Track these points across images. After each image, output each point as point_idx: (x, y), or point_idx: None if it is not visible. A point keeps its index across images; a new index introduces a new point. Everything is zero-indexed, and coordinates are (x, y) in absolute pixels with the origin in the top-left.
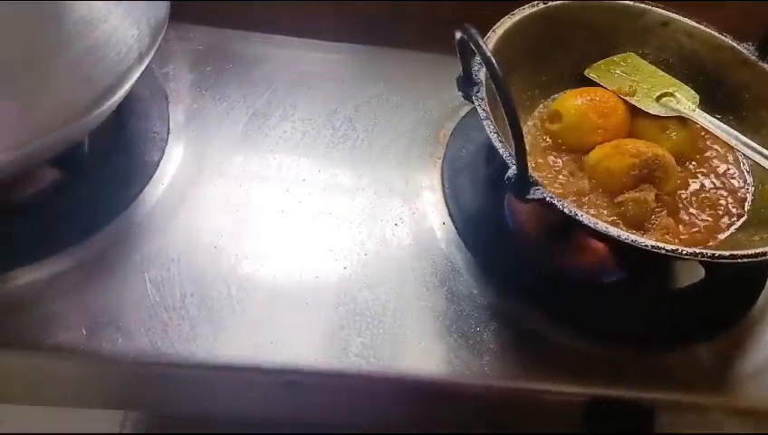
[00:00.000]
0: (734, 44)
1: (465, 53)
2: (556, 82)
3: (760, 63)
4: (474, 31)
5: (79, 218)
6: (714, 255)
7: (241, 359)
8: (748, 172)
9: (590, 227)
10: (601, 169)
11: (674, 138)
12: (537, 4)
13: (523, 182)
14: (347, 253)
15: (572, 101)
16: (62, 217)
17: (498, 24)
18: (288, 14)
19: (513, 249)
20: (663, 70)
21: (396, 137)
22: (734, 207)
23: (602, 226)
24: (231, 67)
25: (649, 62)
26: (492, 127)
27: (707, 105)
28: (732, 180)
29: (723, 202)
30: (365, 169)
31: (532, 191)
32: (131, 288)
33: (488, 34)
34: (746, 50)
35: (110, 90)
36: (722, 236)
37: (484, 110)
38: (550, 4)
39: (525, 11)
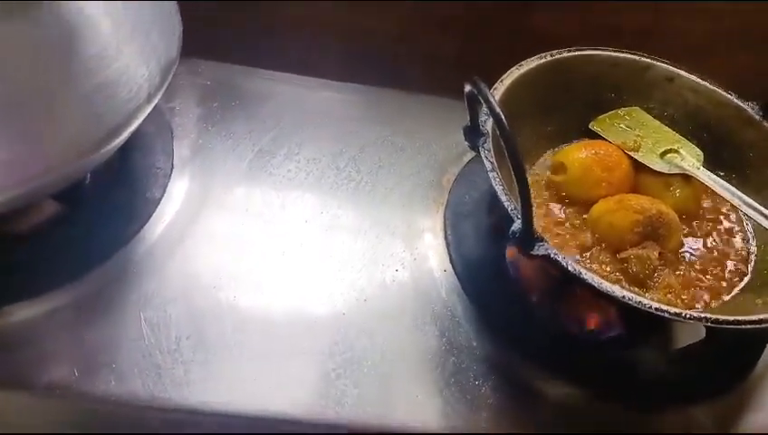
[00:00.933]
0: (739, 103)
1: (473, 103)
2: (562, 134)
3: (764, 123)
4: (483, 85)
5: (77, 253)
6: (717, 320)
7: (234, 406)
8: (752, 233)
9: (594, 286)
10: (604, 223)
11: (677, 195)
12: (545, 55)
13: (528, 237)
14: (346, 298)
15: (577, 154)
16: (61, 252)
17: (506, 74)
18: (296, 51)
19: (514, 300)
20: (668, 125)
21: (400, 180)
22: (737, 268)
23: (607, 286)
24: (238, 103)
25: (654, 117)
26: (498, 179)
27: (711, 162)
28: (735, 240)
29: (726, 262)
30: (368, 211)
31: (536, 247)
32: (127, 328)
33: (495, 85)
34: (751, 109)
35: (119, 128)
36: (725, 298)
37: (490, 162)
38: (558, 56)
39: (533, 62)
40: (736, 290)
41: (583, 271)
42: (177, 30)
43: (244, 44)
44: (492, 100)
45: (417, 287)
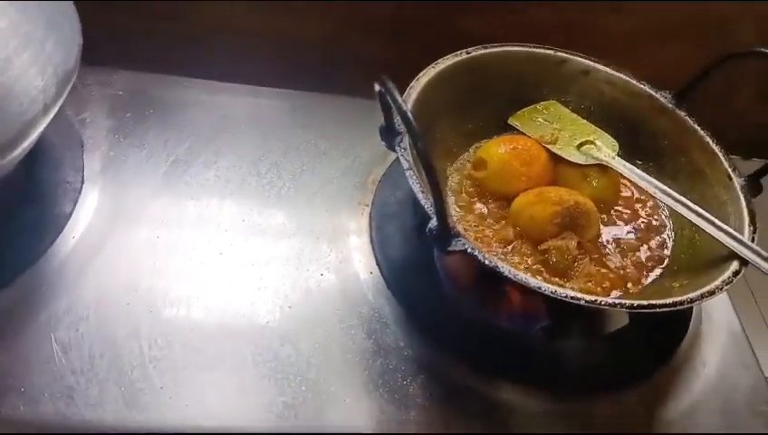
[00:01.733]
0: (652, 92)
1: (386, 103)
2: (482, 130)
3: (677, 111)
4: (390, 85)
5: None
6: (632, 305)
7: (152, 422)
8: (667, 218)
9: (510, 278)
10: (525, 216)
11: (595, 185)
12: (461, 53)
13: (445, 234)
14: (269, 306)
15: (496, 149)
16: None
17: (422, 73)
18: (214, 57)
19: (441, 300)
20: (585, 117)
21: (324, 183)
22: (656, 253)
23: (522, 277)
24: (152, 113)
25: (572, 110)
26: (414, 178)
27: (628, 151)
28: (653, 226)
29: (644, 248)
30: (290, 217)
31: (453, 243)
32: (36, 350)
33: (411, 83)
34: (664, 98)
35: (11, 144)
36: (645, 282)
37: (407, 160)
38: (474, 53)
39: (449, 60)
40: (654, 275)
41: (499, 263)
42: (77, 39)
43: (158, 52)
44: (398, 98)
45: (344, 291)
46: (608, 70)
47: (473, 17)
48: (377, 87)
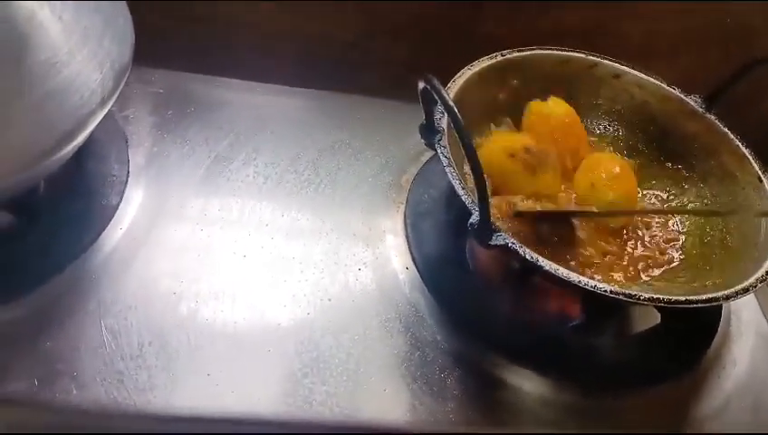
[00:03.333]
0: (682, 96)
1: (428, 101)
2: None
3: (707, 116)
4: (436, 81)
5: (32, 265)
6: (669, 300)
7: (200, 410)
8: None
9: (551, 273)
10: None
11: None
12: (496, 55)
13: (486, 229)
14: (310, 298)
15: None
16: (15, 264)
17: (459, 74)
18: (249, 58)
19: (476, 294)
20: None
21: (359, 182)
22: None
23: (564, 272)
24: (192, 111)
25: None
26: (455, 174)
27: (659, 154)
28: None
29: (674, 249)
30: (328, 213)
31: (494, 238)
32: (87, 337)
33: (448, 85)
34: (694, 102)
35: (71, 135)
36: (677, 280)
37: (446, 157)
38: (509, 56)
39: (484, 62)
40: (685, 277)
41: (540, 259)
42: (130, 35)
43: (196, 53)
44: (445, 94)
45: (380, 286)
46: (638, 74)
47: (494, 20)
48: (420, 84)
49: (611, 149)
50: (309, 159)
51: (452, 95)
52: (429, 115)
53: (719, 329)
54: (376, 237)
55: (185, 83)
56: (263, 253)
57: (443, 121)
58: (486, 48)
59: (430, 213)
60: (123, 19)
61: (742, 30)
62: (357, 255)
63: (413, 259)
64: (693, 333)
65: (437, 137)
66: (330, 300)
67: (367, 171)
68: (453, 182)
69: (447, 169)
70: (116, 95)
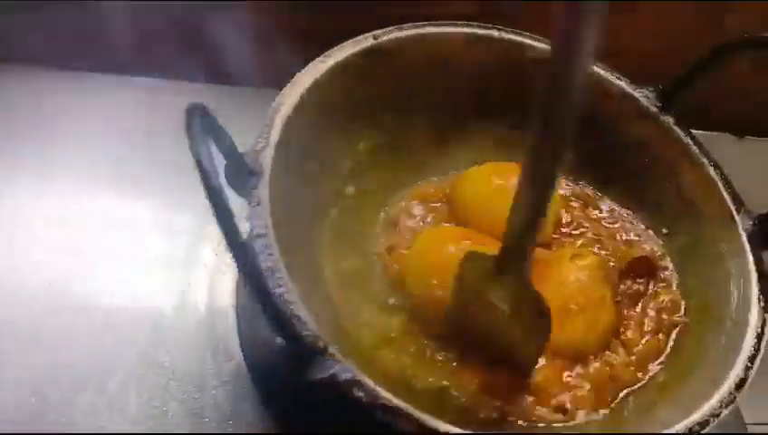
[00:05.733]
0: (630, 91)
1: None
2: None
3: (662, 117)
4: (197, 120)
5: None
6: None
7: None
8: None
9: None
10: None
11: None
12: (365, 38)
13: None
14: None
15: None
16: None
17: (303, 70)
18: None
19: None
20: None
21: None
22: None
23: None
24: None
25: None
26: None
27: (600, 172)
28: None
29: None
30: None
31: (318, 366)
32: None
33: (284, 89)
34: (645, 98)
35: None
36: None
37: (262, 221)
38: (384, 38)
39: (346, 50)
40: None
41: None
42: None
43: None
44: (203, 155)
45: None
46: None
47: None
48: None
49: None
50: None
51: (288, 109)
52: (230, 151)
53: None
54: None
55: None
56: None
57: (265, 154)
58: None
59: None
60: None
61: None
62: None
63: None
64: None
65: (252, 180)
66: None
67: None
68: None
69: (259, 243)
70: None
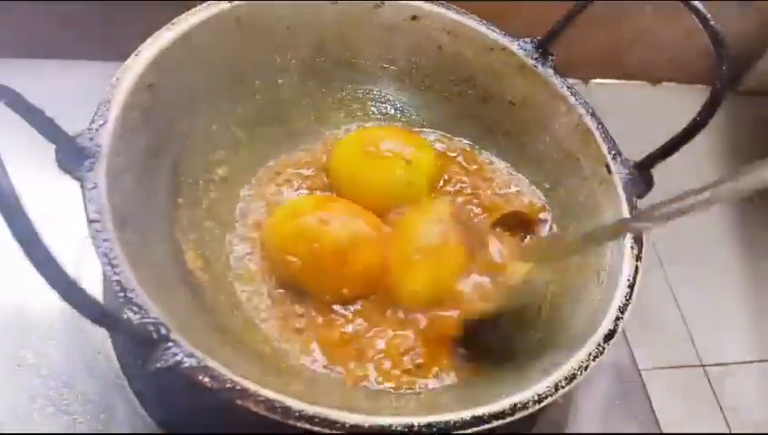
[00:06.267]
0: (506, 43)
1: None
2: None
3: (539, 68)
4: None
5: None
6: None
7: None
8: None
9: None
10: None
11: None
12: (217, 2)
13: (145, 341)
14: None
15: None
16: None
17: (145, 43)
18: None
19: None
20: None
21: None
22: None
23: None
24: None
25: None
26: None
27: (481, 130)
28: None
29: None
30: None
31: (161, 355)
32: None
33: (126, 63)
34: (523, 50)
35: None
36: None
37: (96, 205)
38: (236, 3)
39: (197, 15)
40: None
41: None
42: None
43: None
44: None
45: None
46: (446, 13)
47: None
48: None
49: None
50: None
51: (128, 84)
52: (54, 133)
53: None
54: None
55: None
56: None
57: (103, 133)
58: None
59: None
60: None
61: None
62: None
63: None
64: None
65: (87, 163)
66: None
67: None
68: (101, 260)
69: (92, 228)
70: None
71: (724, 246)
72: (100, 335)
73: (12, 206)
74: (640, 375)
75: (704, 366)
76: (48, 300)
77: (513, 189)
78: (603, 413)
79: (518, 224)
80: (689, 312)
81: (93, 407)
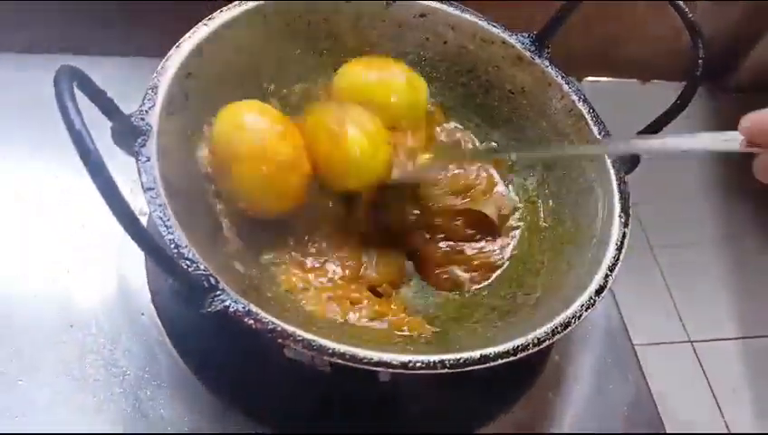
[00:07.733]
0: (506, 37)
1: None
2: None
3: (536, 60)
4: (65, 81)
5: None
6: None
7: None
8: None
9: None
10: None
11: None
12: (240, 4)
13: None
14: None
15: None
16: None
17: (187, 35)
18: None
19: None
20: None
21: None
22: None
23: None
24: None
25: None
26: (160, 205)
27: (485, 117)
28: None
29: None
30: None
31: (210, 301)
32: None
33: (170, 51)
34: (520, 44)
35: None
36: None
37: (150, 176)
38: (262, 2)
39: (232, 12)
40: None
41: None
42: None
43: None
44: (69, 106)
45: None
46: (450, 10)
47: None
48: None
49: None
50: None
51: (172, 71)
52: (112, 110)
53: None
54: None
55: None
56: None
57: (152, 114)
58: None
59: None
60: None
61: None
62: None
63: None
64: None
65: (139, 140)
66: None
67: None
68: (156, 220)
69: (148, 195)
70: None
71: (710, 229)
72: (144, 299)
73: (97, 164)
74: (633, 347)
75: (692, 342)
76: (97, 269)
77: (499, 189)
78: (598, 372)
79: (479, 224)
80: (678, 293)
81: (138, 360)
